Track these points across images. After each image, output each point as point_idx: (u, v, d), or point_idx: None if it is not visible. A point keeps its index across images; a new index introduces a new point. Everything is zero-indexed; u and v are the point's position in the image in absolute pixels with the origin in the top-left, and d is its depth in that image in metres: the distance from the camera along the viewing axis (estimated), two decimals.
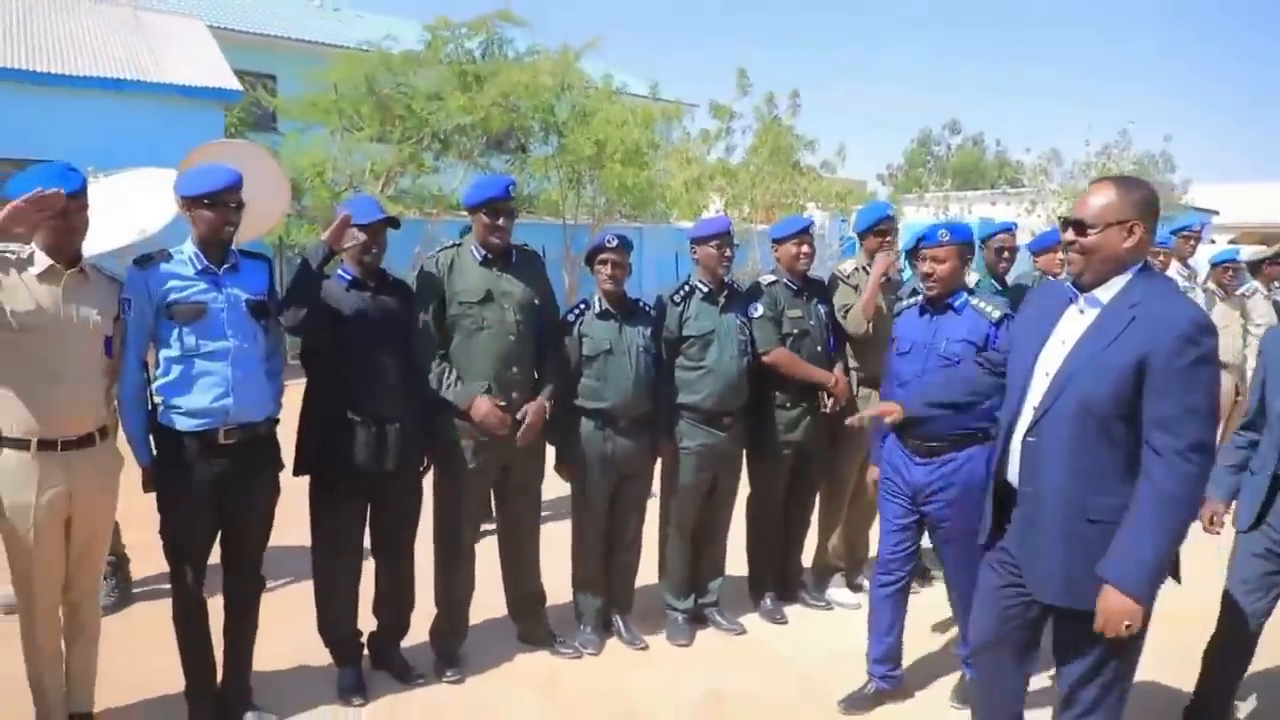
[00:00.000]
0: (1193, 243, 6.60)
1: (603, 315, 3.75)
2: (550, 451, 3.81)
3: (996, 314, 3.29)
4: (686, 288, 3.96)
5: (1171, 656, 3.21)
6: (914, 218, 24.86)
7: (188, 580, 3.05)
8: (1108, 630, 2.17)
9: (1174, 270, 6.34)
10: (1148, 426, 2.16)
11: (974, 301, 3.36)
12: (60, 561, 2.84)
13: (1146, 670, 2.61)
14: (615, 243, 3.73)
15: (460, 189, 13.62)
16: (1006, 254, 4.90)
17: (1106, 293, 2.29)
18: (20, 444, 2.72)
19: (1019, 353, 2.52)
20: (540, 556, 3.87)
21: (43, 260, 2.75)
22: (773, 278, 4.18)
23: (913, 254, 3.57)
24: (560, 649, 3.82)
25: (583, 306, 3.80)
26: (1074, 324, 2.35)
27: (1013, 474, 2.43)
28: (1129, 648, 2.25)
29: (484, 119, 13.00)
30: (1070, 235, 2.32)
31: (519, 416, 3.51)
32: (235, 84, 13.47)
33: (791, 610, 4.32)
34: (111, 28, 14.09)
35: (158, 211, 6.47)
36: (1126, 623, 2.14)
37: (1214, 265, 6.78)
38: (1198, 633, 3.21)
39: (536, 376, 3.65)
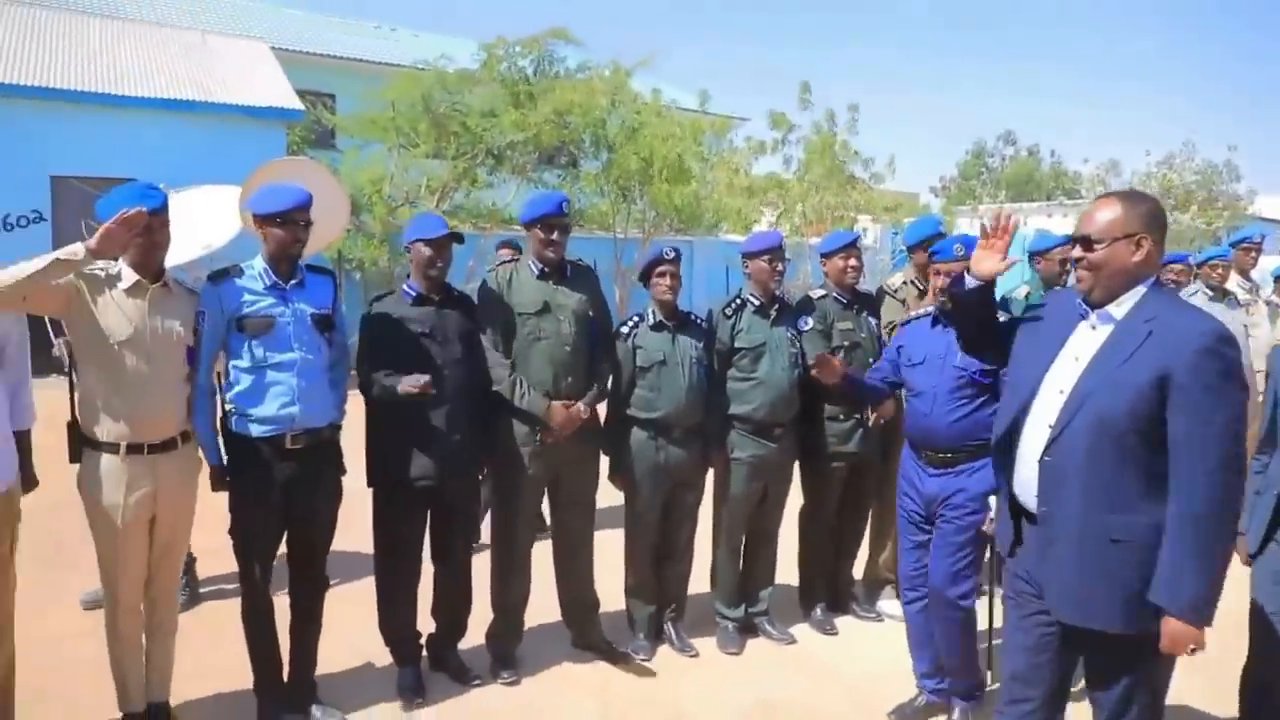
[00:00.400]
0: (1254, 255, 6.46)
1: (656, 327, 3.83)
2: (604, 462, 3.89)
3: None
4: (738, 301, 4.02)
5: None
6: (967, 230, 24.64)
7: (255, 578, 3.19)
8: (1174, 653, 2.16)
9: (1234, 283, 6.21)
10: (1173, 446, 2.11)
11: None
12: (144, 558, 3.00)
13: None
14: (672, 255, 3.82)
15: (513, 204, 13.87)
16: (1068, 265, 4.87)
17: (1119, 309, 2.26)
18: (112, 448, 2.90)
19: (1023, 365, 2.46)
20: (594, 564, 3.94)
21: (130, 276, 2.92)
22: (822, 291, 4.22)
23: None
24: (613, 655, 3.88)
25: (637, 319, 3.88)
26: (1087, 340, 2.30)
27: (1023, 493, 2.38)
28: (1161, 673, 2.27)
29: (536, 135, 13.23)
30: (1078, 251, 2.30)
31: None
32: (297, 103, 13.91)
33: (842, 621, 4.33)
34: (180, 52, 14.64)
35: (223, 227, 6.72)
36: (1191, 646, 2.12)
37: (1277, 279, 6.63)
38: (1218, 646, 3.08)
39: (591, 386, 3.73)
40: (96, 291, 2.87)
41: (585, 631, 3.95)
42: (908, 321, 3.69)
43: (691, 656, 3.94)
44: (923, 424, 3.36)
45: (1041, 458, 2.29)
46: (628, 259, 14.90)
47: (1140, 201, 2.28)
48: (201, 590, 4.37)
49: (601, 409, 3.84)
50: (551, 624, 4.02)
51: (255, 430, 3.08)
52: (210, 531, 3.32)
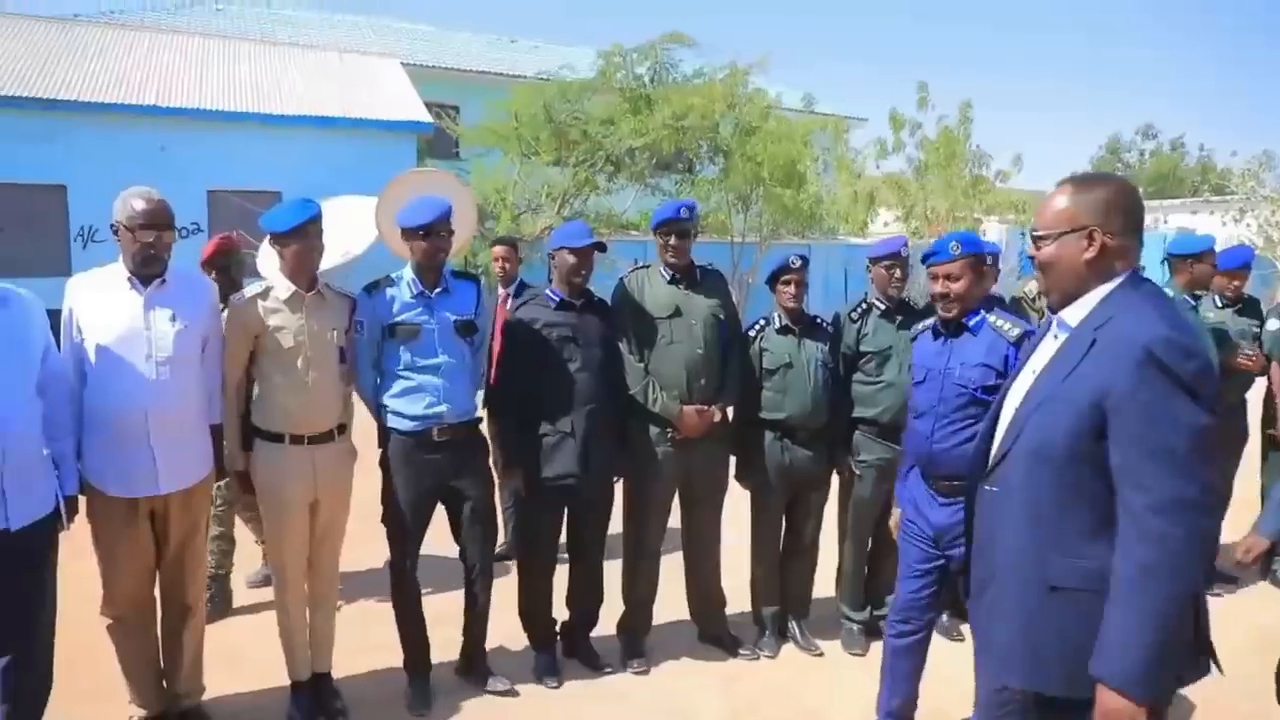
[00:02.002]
0: None
1: (782, 331, 3.90)
2: (732, 463, 3.99)
3: (1016, 332, 3.05)
4: (864, 305, 4.04)
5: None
6: None
7: (404, 563, 3.46)
8: None
9: None
10: (1118, 480, 1.75)
11: (992, 320, 3.11)
12: (306, 538, 3.29)
13: None
14: (799, 263, 3.89)
15: (631, 210, 14.13)
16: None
17: (1074, 314, 1.92)
18: (277, 438, 3.20)
19: (1003, 391, 2.16)
20: (721, 562, 4.04)
21: (287, 287, 3.21)
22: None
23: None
24: (739, 650, 3.98)
25: (763, 322, 3.97)
26: (1046, 351, 2.00)
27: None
28: None
29: (654, 141, 13.44)
30: (1032, 250, 2.00)
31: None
32: (426, 116, 14.60)
33: (967, 628, 4.28)
34: (321, 71, 15.56)
35: (360, 236, 7.16)
36: None
37: None
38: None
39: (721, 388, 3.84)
40: (263, 303, 3.18)
41: (712, 626, 4.06)
42: (914, 337, 3.39)
43: (816, 655, 3.99)
44: (925, 448, 3.08)
45: (981, 485, 2.01)
46: (745, 264, 14.95)
47: (1094, 187, 1.92)
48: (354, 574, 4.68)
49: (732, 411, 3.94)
50: (681, 619, 4.14)
51: (405, 426, 3.35)
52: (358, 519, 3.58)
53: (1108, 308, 1.86)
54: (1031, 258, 2.01)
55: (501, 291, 5.08)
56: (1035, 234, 1.98)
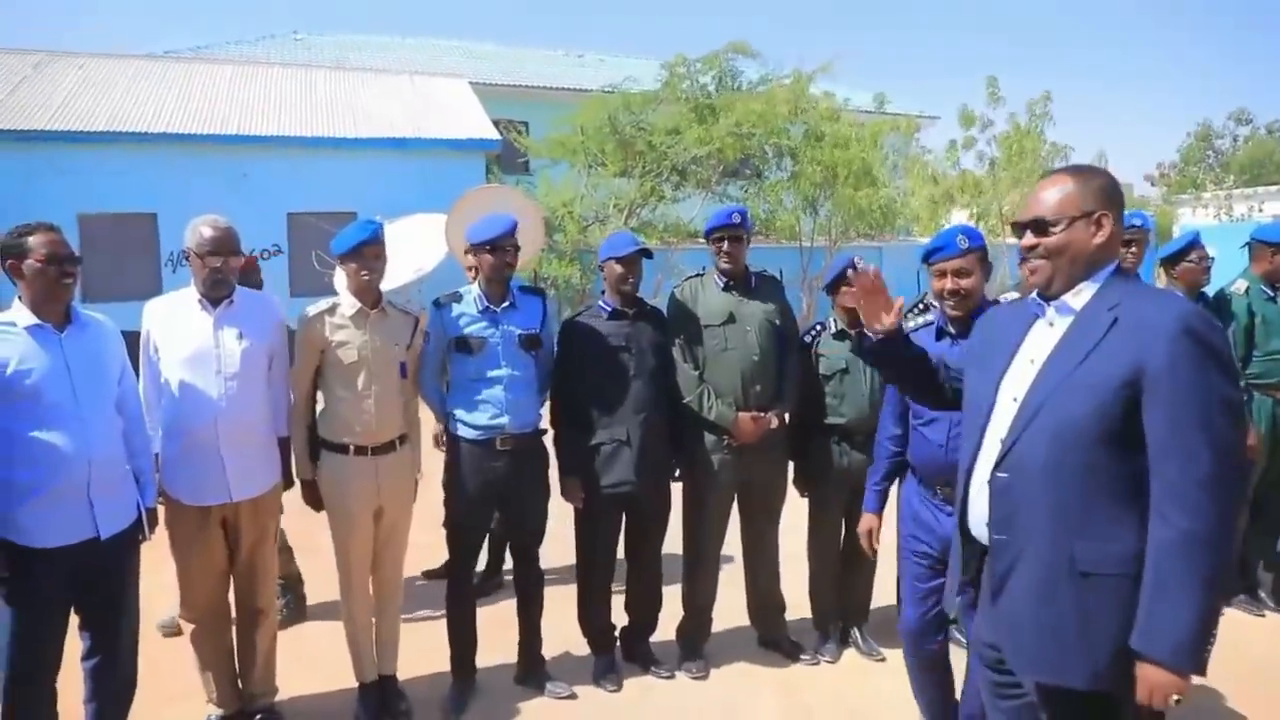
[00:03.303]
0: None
1: (839, 335, 3.88)
2: (790, 470, 3.98)
3: None
4: (921, 305, 3.99)
5: None
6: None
7: (462, 567, 3.58)
8: (1153, 705, 1.76)
9: None
10: (1154, 455, 1.77)
11: None
12: (370, 544, 3.41)
13: None
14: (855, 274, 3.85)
15: (698, 218, 14.15)
16: None
17: (1078, 299, 1.96)
18: (342, 449, 3.32)
19: (976, 379, 2.15)
20: (782, 568, 4.03)
21: (351, 304, 3.33)
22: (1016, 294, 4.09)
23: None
24: (799, 656, 3.96)
25: (819, 327, 3.95)
26: (1043, 339, 2.00)
27: (976, 523, 2.05)
28: None
29: (719, 149, 13.47)
30: (1029, 239, 2.00)
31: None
32: (494, 134, 14.91)
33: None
34: (393, 94, 16.03)
35: (431, 252, 7.36)
36: (1175, 696, 1.73)
37: None
38: None
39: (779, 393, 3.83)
40: (330, 319, 3.32)
41: (772, 632, 4.05)
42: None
43: (878, 660, 3.94)
44: (940, 457, 2.87)
45: (992, 477, 1.97)
46: (814, 267, 14.83)
47: (1094, 175, 2.00)
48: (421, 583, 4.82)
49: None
50: (741, 625, 4.14)
51: (470, 435, 3.45)
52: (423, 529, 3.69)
53: (1112, 292, 1.93)
54: (1029, 249, 2.00)
55: None
56: (1037, 222, 1.98)
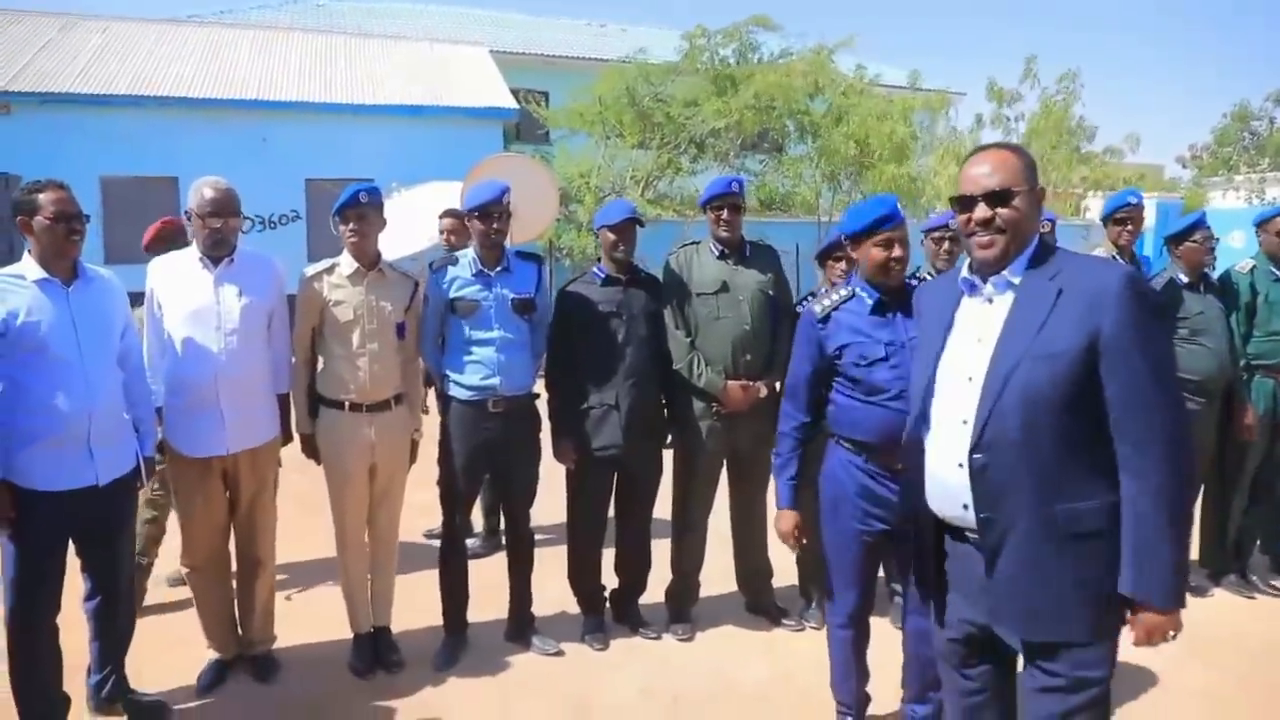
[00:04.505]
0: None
1: None
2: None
3: None
4: (915, 279, 4.01)
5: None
6: (1219, 204, 22.22)
7: (454, 524, 3.69)
8: (1151, 644, 1.90)
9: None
10: (1119, 412, 1.85)
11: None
12: (365, 501, 3.51)
13: None
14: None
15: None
16: None
17: (1014, 274, 1.99)
18: (338, 405, 3.42)
19: (921, 357, 2.17)
20: (768, 536, 4.10)
21: (350, 264, 3.41)
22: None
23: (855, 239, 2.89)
24: (783, 621, 4.04)
25: (811, 298, 3.98)
26: (984, 316, 2.02)
27: (945, 506, 2.06)
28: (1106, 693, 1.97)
29: (738, 121, 13.39)
30: (983, 212, 1.97)
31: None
32: (511, 103, 14.91)
33: None
34: (412, 62, 16.04)
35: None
36: (1172, 633, 1.89)
37: None
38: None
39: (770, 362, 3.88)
40: (329, 278, 3.41)
41: (758, 597, 4.13)
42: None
43: None
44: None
45: (970, 457, 1.97)
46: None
47: (1025, 152, 2.05)
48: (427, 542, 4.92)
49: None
50: (730, 592, 4.21)
51: (462, 395, 3.54)
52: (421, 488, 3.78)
53: (1045, 264, 1.97)
54: (988, 220, 1.96)
55: None
56: (999, 194, 1.95)
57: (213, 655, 3.46)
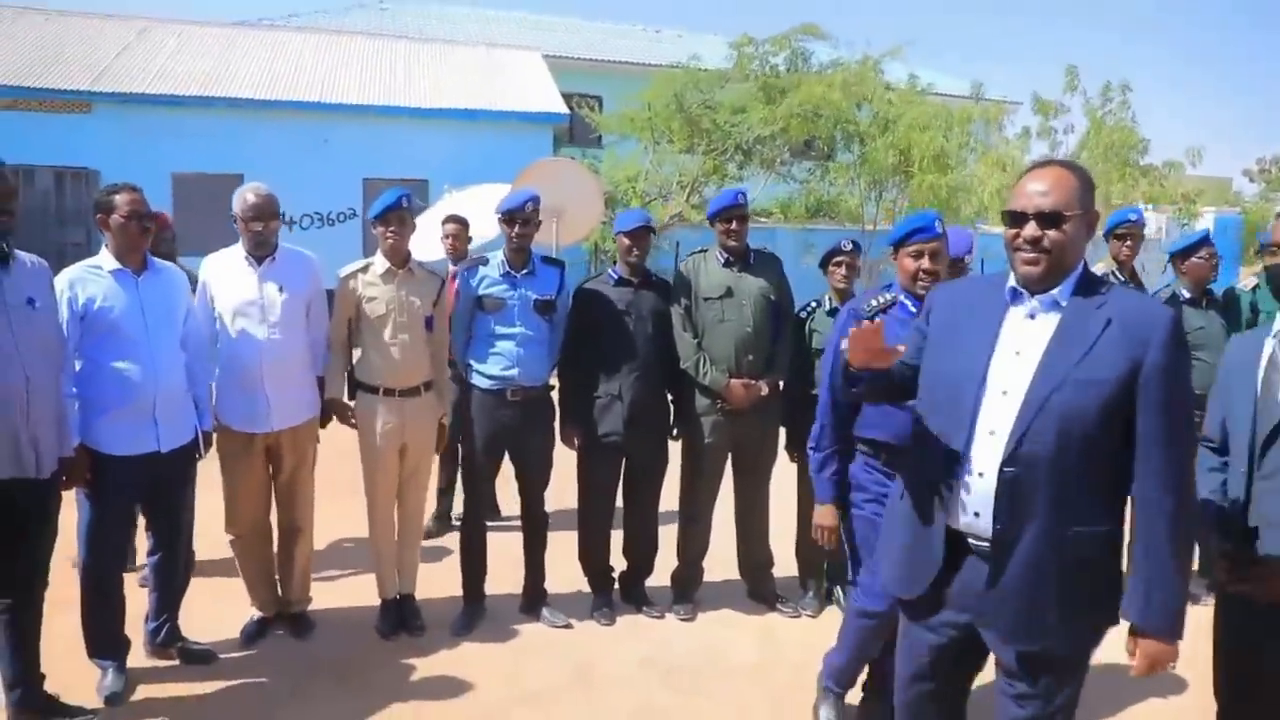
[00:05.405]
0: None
1: (831, 313, 4.15)
2: (783, 436, 4.29)
3: None
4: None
5: None
6: None
7: (476, 506, 4.03)
8: (1152, 673, 1.98)
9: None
10: (1146, 444, 1.91)
11: None
12: (395, 477, 3.86)
13: None
14: (850, 246, 4.15)
15: (761, 197, 14.27)
16: None
17: (1061, 295, 2.00)
18: (373, 390, 3.79)
19: (948, 361, 2.12)
20: (772, 527, 4.36)
21: (383, 264, 3.78)
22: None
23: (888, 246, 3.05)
24: (781, 608, 4.29)
25: (814, 304, 4.23)
26: (1027, 332, 2.02)
27: (955, 511, 2.06)
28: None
29: (784, 129, 13.54)
30: (1033, 231, 1.96)
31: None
32: (562, 107, 15.32)
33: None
34: (469, 66, 16.54)
35: (492, 222, 7.78)
36: (1171, 664, 1.97)
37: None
38: None
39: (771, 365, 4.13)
40: (364, 276, 3.77)
41: (759, 585, 4.39)
42: (871, 315, 3.01)
43: None
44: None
45: (1001, 469, 1.97)
46: (875, 252, 14.83)
47: (1085, 172, 2.03)
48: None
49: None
50: (733, 579, 4.48)
51: (484, 384, 3.88)
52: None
53: (1093, 290, 2.00)
54: (1037, 239, 1.96)
55: (451, 269, 4.82)
56: (1050, 215, 1.95)
57: (255, 612, 3.84)
